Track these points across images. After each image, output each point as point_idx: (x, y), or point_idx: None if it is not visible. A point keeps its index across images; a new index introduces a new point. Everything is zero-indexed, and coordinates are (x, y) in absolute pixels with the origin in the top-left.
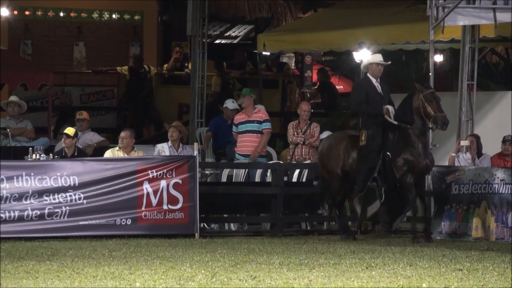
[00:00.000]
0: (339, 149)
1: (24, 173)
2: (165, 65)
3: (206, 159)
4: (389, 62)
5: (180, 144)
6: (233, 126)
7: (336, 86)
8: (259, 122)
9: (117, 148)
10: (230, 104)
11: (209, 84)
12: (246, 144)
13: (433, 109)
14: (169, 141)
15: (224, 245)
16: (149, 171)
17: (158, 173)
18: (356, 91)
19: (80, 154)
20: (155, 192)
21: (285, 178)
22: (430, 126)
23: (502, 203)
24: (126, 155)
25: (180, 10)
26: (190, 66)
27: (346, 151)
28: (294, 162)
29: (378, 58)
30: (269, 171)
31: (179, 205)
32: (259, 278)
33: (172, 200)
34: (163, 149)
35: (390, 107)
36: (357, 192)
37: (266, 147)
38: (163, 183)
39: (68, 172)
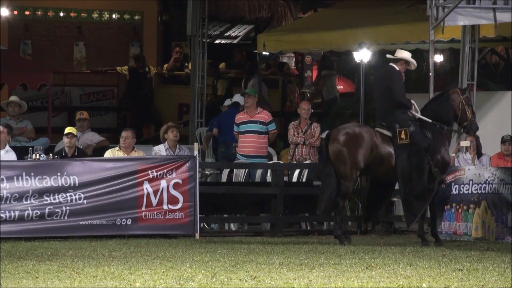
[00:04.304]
0: (368, 141)
1: (24, 173)
2: (165, 65)
3: (206, 159)
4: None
5: (177, 145)
6: (235, 126)
7: (336, 86)
8: (263, 123)
9: (117, 148)
10: (241, 98)
11: (209, 84)
12: (248, 144)
13: (470, 113)
14: (166, 143)
15: (224, 245)
16: (149, 171)
17: (158, 173)
18: (401, 82)
19: (80, 154)
20: (155, 192)
21: (285, 178)
22: (458, 129)
23: (502, 203)
24: (126, 155)
25: (180, 10)
26: (190, 66)
27: (375, 144)
28: (295, 162)
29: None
30: (269, 171)
31: (179, 205)
32: (259, 278)
33: (172, 200)
34: (160, 151)
35: (415, 105)
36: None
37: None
38: (163, 183)
39: (68, 172)
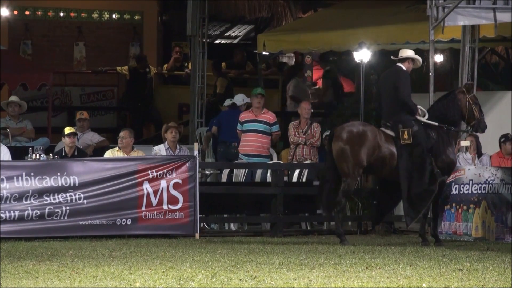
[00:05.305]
0: (372, 141)
1: (24, 173)
2: (165, 65)
3: (206, 159)
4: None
5: (177, 145)
6: (238, 124)
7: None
8: (267, 124)
9: (117, 148)
10: (239, 100)
11: (209, 84)
12: (250, 144)
13: (478, 112)
14: (166, 143)
15: (224, 245)
16: (149, 171)
17: (158, 173)
18: (408, 82)
19: (80, 154)
20: (155, 192)
21: (285, 178)
22: (467, 129)
23: (502, 203)
24: (126, 155)
25: (180, 10)
26: (190, 66)
27: (378, 144)
28: (295, 162)
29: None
30: (269, 171)
31: (179, 205)
32: (259, 278)
33: (172, 200)
34: (160, 151)
35: (422, 108)
36: (425, 197)
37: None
38: (163, 183)
39: (68, 172)
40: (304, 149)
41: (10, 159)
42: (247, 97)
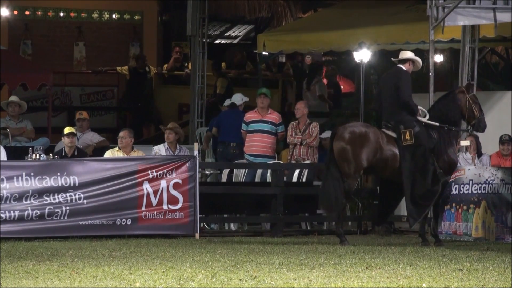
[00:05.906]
0: (373, 142)
1: (24, 173)
2: (165, 65)
3: (206, 159)
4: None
5: (177, 145)
6: (243, 125)
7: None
8: (273, 124)
9: (117, 148)
10: (238, 99)
11: (209, 84)
12: (257, 144)
13: (478, 111)
14: (166, 143)
15: (224, 245)
16: (149, 171)
17: (158, 173)
18: (408, 83)
19: (80, 154)
20: (155, 192)
21: (285, 178)
22: (468, 128)
23: (502, 203)
24: (125, 155)
25: (180, 10)
26: (190, 66)
27: (380, 146)
28: (293, 162)
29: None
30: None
31: (179, 205)
32: (259, 278)
33: (172, 200)
34: (160, 151)
35: (423, 109)
36: (426, 199)
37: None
38: (163, 183)
39: (68, 172)
40: (302, 149)
41: (5, 159)
42: (246, 96)
